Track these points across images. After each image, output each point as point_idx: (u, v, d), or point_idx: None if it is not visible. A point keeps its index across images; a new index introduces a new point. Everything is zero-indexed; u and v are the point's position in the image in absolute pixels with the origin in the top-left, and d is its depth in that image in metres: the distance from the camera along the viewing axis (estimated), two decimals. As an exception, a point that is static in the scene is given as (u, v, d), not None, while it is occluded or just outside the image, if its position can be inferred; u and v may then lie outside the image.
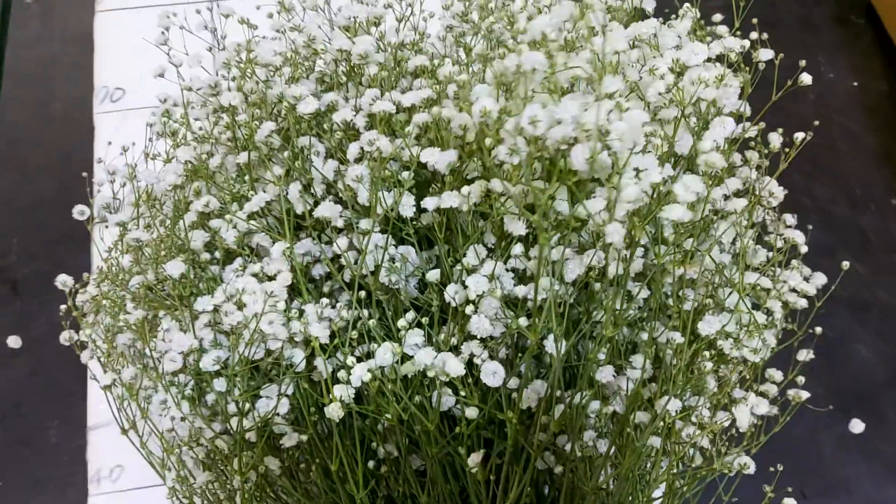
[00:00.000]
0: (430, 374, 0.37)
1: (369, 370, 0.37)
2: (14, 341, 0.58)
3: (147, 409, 0.51)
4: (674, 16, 0.56)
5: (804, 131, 0.78)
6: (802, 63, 0.47)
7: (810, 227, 0.54)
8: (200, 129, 0.51)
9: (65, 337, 0.54)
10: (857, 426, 0.57)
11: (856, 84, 0.87)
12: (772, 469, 0.53)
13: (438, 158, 0.38)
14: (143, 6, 0.81)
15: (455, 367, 0.36)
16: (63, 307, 0.54)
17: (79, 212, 0.54)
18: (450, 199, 0.38)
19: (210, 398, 0.47)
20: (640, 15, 0.55)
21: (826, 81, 0.87)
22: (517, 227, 0.38)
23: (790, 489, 0.49)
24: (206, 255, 0.48)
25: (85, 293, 0.56)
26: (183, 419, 0.48)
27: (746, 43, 0.42)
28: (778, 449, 0.67)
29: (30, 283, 0.72)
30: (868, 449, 0.69)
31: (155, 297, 0.51)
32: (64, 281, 0.52)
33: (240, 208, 0.47)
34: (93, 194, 0.70)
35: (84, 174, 0.67)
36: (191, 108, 0.52)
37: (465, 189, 0.37)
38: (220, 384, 0.45)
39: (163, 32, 0.53)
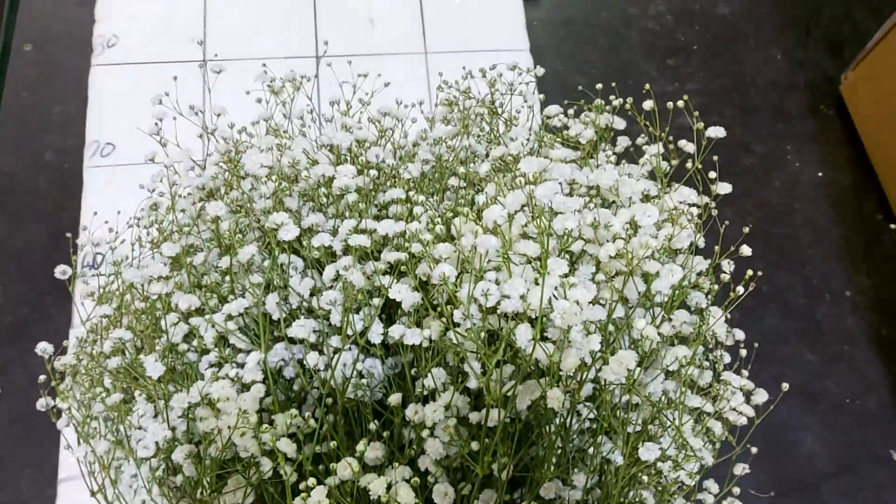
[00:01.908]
0: (384, 500, 0.40)
1: (328, 490, 0.40)
2: (-8, 389, 0.60)
3: (118, 480, 0.54)
4: (643, 136, 0.59)
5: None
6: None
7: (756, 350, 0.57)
8: (184, 212, 0.53)
9: (41, 404, 0.56)
10: (795, 515, 0.61)
11: (821, 175, 0.91)
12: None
13: (405, 297, 0.41)
14: (137, 62, 0.83)
15: (407, 496, 0.39)
16: (42, 377, 0.56)
17: (61, 272, 0.57)
18: (412, 338, 0.41)
19: (179, 478, 0.50)
20: (612, 133, 0.59)
21: (792, 171, 0.91)
22: (473, 367, 0.41)
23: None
24: (184, 346, 0.50)
25: (65, 356, 0.59)
26: (152, 500, 0.51)
27: (701, 200, 0.45)
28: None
29: (13, 329, 0.74)
30: (806, 537, 0.73)
31: (132, 377, 0.53)
32: (44, 348, 0.54)
33: (219, 301, 0.50)
34: (76, 252, 0.72)
35: (69, 235, 0.69)
36: (178, 198, 0.54)
37: (425, 331, 0.40)
38: (190, 469, 0.48)
39: (156, 123, 0.56)
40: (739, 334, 0.59)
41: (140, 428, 0.49)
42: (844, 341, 0.82)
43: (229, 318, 0.49)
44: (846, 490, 0.75)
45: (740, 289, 0.45)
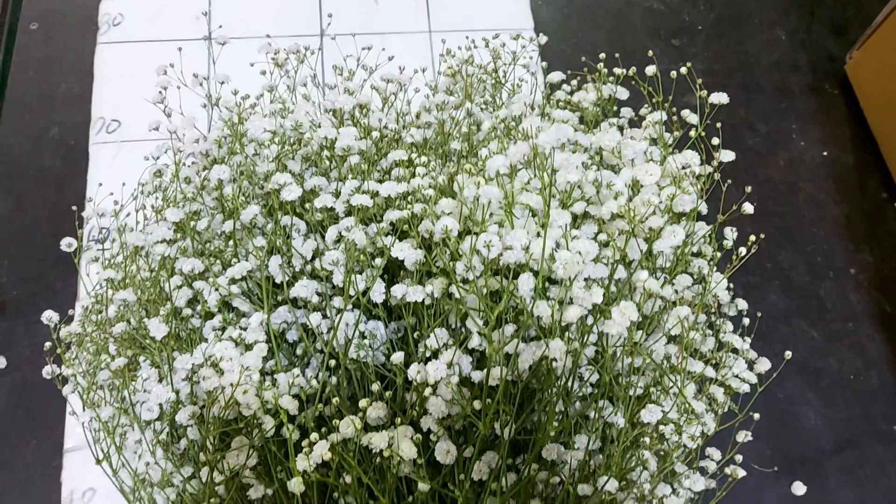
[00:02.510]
0: (386, 454, 0.40)
1: (331, 445, 0.40)
2: (-1, 361, 0.61)
3: (122, 445, 0.54)
4: (646, 106, 0.59)
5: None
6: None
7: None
8: (189, 181, 0.54)
9: (47, 371, 0.56)
10: (798, 489, 0.61)
11: (825, 154, 0.91)
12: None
13: (407, 255, 0.41)
14: (142, 40, 0.84)
15: (409, 450, 0.40)
16: (48, 344, 0.56)
17: (66, 244, 0.57)
18: (415, 295, 0.41)
19: (183, 443, 0.50)
20: (615, 103, 0.59)
21: (797, 149, 0.91)
22: (474, 325, 0.41)
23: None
24: (188, 311, 0.51)
25: (70, 325, 0.59)
26: (156, 463, 0.52)
27: (704, 169, 0.45)
28: (723, 505, 0.70)
29: (18, 304, 0.75)
30: (808, 511, 0.73)
31: (136, 342, 0.54)
32: (49, 317, 0.55)
33: (223, 267, 0.50)
34: (82, 226, 0.73)
35: (74, 208, 0.70)
36: (182, 166, 0.55)
37: (427, 287, 0.40)
38: (193, 432, 0.48)
39: (160, 92, 0.56)
40: (742, 304, 0.59)
41: (145, 391, 0.49)
42: (847, 318, 0.82)
43: (233, 281, 0.49)
44: (848, 465, 0.75)
45: (742, 250, 0.45)
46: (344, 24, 0.88)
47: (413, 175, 0.45)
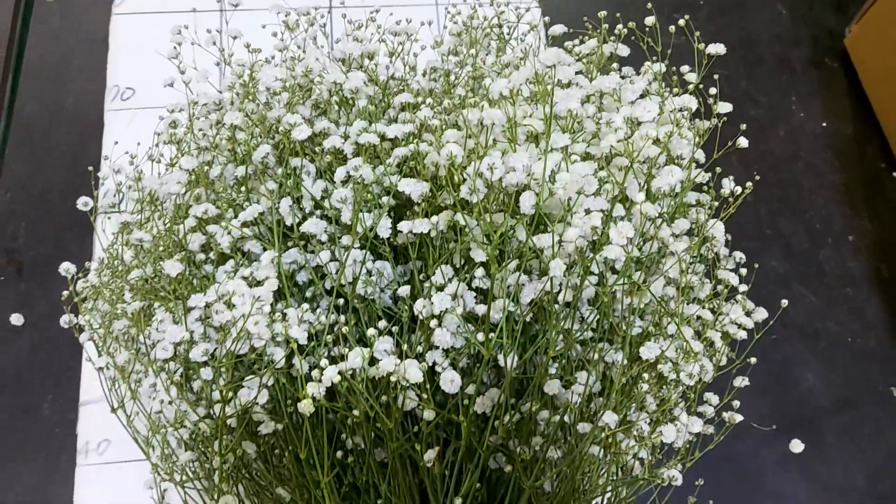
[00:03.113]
0: (393, 379, 0.42)
1: (339, 372, 0.42)
2: (17, 319, 0.63)
3: (137, 391, 0.56)
4: (647, 61, 0.61)
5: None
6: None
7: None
8: (203, 135, 0.56)
9: (64, 320, 0.58)
10: (797, 446, 0.62)
11: (825, 125, 0.92)
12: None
13: (413, 189, 0.42)
14: (156, 11, 0.86)
15: (415, 374, 0.41)
16: (65, 293, 0.58)
17: (83, 203, 0.59)
18: (421, 226, 0.43)
19: (196, 384, 0.52)
20: (618, 59, 0.60)
21: (797, 121, 0.93)
22: (479, 255, 0.42)
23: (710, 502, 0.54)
24: (201, 256, 0.53)
25: (86, 279, 0.61)
26: (170, 403, 0.53)
27: (703, 124, 0.46)
28: (723, 462, 0.72)
29: (35, 265, 0.77)
30: (806, 469, 0.74)
31: (151, 290, 0.55)
32: (67, 268, 0.57)
33: (235, 215, 0.52)
34: (98, 187, 0.75)
35: (90, 168, 0.72)
36: (195, 119, 0.56)
37: (434, 218, 0.42)
38: (206, 373, 0.50)
39: (175, 47, 0.58)
40: (739, 255, 0.60)
41: (159, 331, 0.51)
42: (846, 283, 0.83)
43: (245, 225, 0.51)
44: (846, 425, 0.76)
45: (738, 189, 0.47)
46: (351, -1, 0.90)
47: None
